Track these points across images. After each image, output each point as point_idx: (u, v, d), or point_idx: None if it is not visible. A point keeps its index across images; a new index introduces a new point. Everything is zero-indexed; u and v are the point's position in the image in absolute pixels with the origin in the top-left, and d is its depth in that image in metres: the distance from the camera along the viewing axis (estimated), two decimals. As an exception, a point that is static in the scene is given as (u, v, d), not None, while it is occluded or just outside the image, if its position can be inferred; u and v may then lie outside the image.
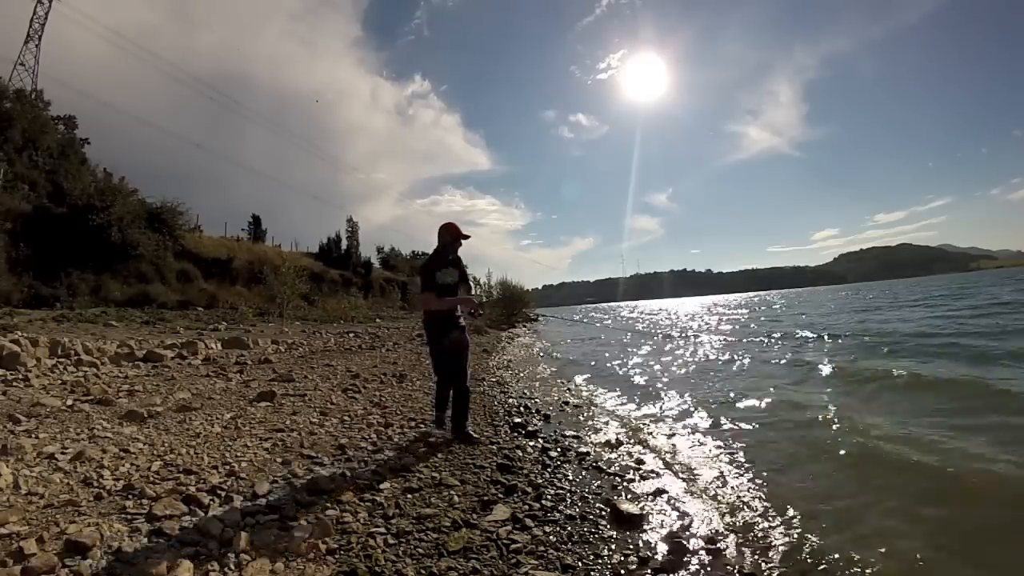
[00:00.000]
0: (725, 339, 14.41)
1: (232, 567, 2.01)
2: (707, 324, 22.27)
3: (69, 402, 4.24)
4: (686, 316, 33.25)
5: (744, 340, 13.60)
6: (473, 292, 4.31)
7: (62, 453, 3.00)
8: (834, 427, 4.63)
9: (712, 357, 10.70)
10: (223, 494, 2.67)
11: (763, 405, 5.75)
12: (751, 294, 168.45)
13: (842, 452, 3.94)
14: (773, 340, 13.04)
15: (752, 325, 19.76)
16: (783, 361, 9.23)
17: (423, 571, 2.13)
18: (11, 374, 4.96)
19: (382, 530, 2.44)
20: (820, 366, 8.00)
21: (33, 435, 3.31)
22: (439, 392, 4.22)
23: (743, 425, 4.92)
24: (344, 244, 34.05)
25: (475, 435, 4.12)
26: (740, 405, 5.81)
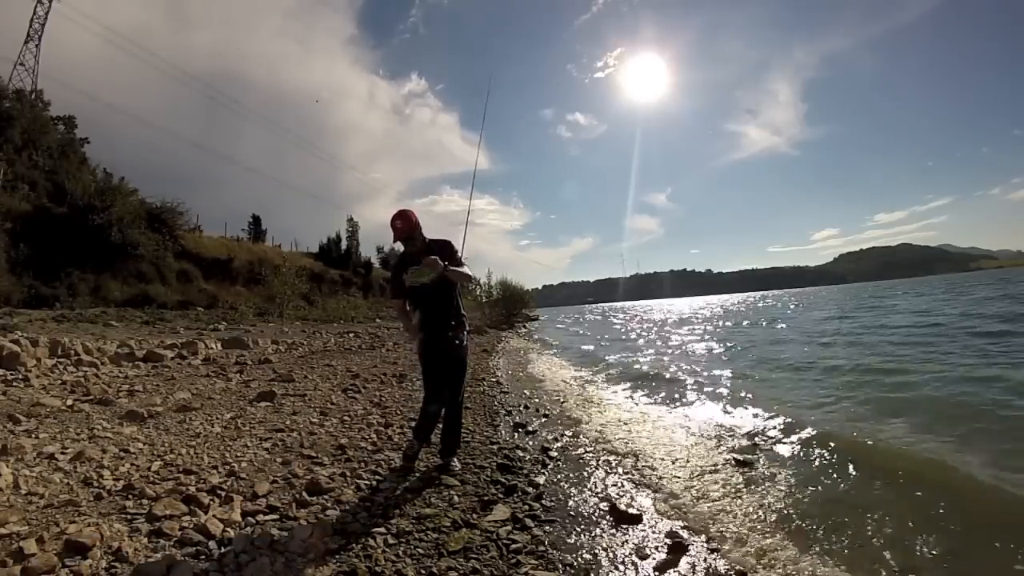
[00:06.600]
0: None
1: (232, 567, 2.01)
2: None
3: (69, 402, 4.24)
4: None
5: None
6: (469, 276, 3.37)
7: (62, 453, 3.00)
8: (844, 436, 4.38)
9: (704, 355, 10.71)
10: (223, 494, 2.67)
11: (761, 404, 5.75)
12: (748, 294, 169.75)
13: (857, 461, 3.90)
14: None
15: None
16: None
17: (423, 571, 2.13)
18: (11, 374, 4.96)
19: (382, 530, 2.44)
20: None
21: (33, 435, 3.31)
22: (427, 410, 3.28)
23: (741, 423, 4.92)
24: (344, 244, 34.12)
25: (457, 468, 3.36)
26: (737, 403, 5.81)
